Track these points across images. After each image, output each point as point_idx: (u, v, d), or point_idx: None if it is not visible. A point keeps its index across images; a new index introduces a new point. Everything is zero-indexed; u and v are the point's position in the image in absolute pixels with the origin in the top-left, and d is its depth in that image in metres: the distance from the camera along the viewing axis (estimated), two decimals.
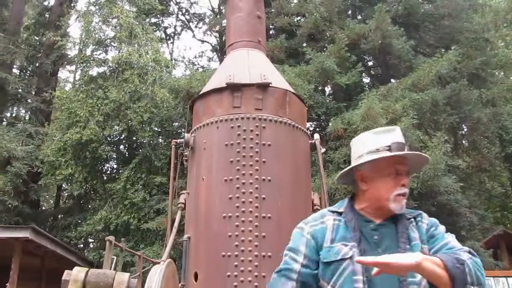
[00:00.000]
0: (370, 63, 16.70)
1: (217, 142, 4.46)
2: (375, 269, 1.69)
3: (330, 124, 12.51)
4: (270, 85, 4.61)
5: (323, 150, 5.01)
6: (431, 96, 11.73)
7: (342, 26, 14.17)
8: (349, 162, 2.19)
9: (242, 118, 4.43)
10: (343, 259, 1.89)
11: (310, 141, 4.88)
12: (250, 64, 4.85)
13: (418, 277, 1.83)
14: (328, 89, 15.70)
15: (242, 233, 4.06)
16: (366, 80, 16.74)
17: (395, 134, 2.05)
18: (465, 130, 14.97)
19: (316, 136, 4.90)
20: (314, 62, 12.88)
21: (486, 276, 8.89)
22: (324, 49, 13.87)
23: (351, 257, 1.87)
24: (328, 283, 1.92)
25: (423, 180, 10.45)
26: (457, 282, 1.71)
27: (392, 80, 14.63)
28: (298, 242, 2.06)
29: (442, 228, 2.02)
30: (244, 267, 3.96)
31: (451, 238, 1.96)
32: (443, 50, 13.92)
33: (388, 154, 1.97)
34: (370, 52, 14.47)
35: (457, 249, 1.87)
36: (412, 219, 2.03)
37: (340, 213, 2.07)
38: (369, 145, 2.05)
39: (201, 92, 4.99)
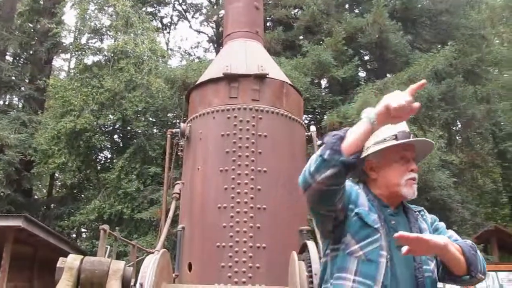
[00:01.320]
0: (366, 57, 16.65)
1: (213, 132, 4.45)
2: (403, 249, 1.69)
3: (325, 117, 12.50)
4: (267, 76, 4.60)
5: (320, 142, 5.00)
6: (427, 92, 11.73)
7: (340, 19, 14.14)
8: None
9: (239, 109, 4.42)
10: (377, 230, 1.93)
11: (306, 133, 4.88)
12: (248, 55, 4.84)
13: (432, 265, 1.95)
14: (324, 82, 15.68)
15: (237, 224, 4.06)
16: (362, 74, 16.72)
17: (400, 124, 2.11)
18: (459, 126, 15.00)
19: (313, 128, 4.90)
20: (310, 55, 12.84)
21: None
22: (321, 42, 13.82)
23: (381, 233, 1.92)
24: (357, 243, 1.92)
25: (417, 175, 10.45)
26: (473, 268, 1.86)
27: (388, 75, 14.60)
28: None
29: (443, 223, 2.17)
30: (238, 258, 3.96)
31: (452, 232, 2.09)
32: (439, 46, 13.91)
33: (395, 142, 2.05)
34: (367, 46, 14.46)
35: (461, 241, 1.97)
36: (417, 212, 2.14)
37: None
38: (375, 136, 2.08)
39: (197, 82, 4.97)
